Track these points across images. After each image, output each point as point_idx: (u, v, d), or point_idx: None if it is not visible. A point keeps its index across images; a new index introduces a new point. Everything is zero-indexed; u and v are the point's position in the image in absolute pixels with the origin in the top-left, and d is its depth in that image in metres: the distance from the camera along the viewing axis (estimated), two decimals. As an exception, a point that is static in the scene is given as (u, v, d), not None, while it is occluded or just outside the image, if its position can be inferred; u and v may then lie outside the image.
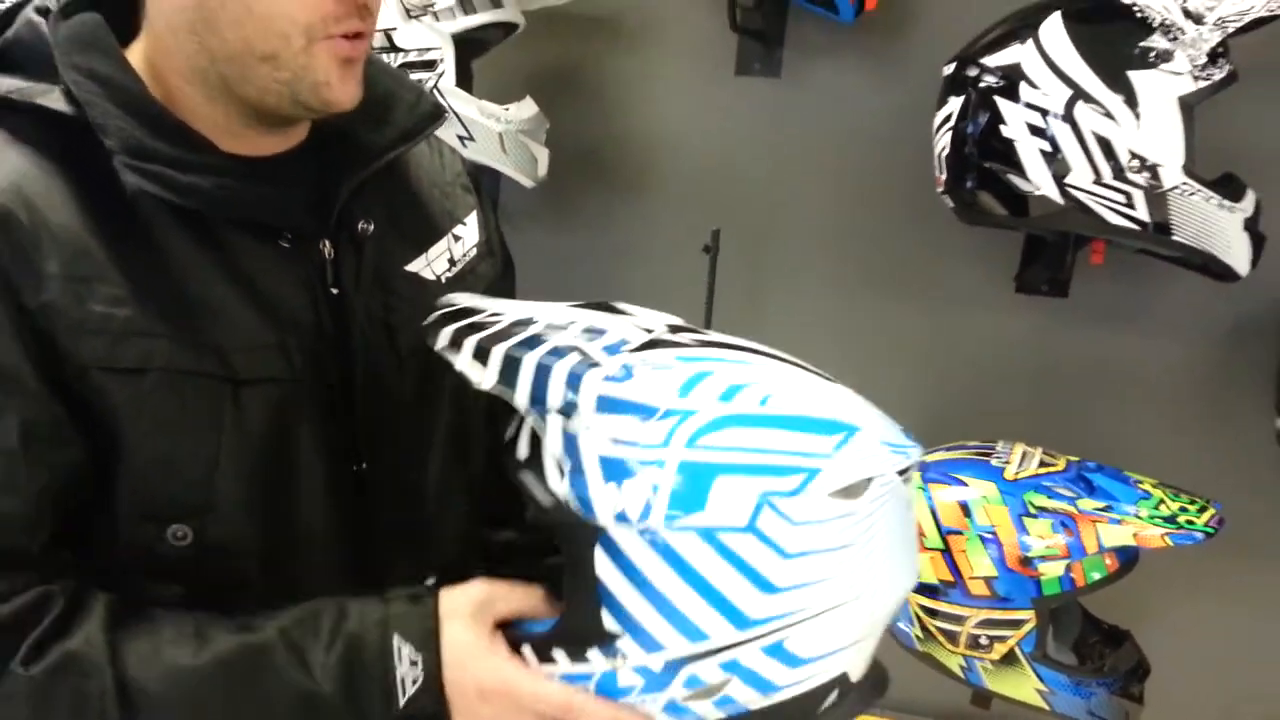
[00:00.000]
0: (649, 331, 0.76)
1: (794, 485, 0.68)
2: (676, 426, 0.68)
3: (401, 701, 0.80)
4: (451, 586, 0.84)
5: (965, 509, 1.33)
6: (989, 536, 1.33)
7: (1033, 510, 1.31)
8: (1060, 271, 1.49)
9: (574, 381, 0.71)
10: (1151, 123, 1.27)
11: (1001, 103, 1.33)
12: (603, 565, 0.70)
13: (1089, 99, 1.28)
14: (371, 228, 0.93)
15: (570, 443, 0.70)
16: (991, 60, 1.35)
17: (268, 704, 0.80)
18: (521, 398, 0.72)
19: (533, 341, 0.74)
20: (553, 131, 1.76)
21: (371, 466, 0.91)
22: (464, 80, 1.65)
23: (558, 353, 0.73)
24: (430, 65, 1.57)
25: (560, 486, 0.70)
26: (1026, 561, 1.31)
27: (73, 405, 0.81)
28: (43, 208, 0.81)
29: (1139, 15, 1.28)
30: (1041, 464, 1.37)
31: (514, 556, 0.98)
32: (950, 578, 1.34)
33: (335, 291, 0.91)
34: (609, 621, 0.71)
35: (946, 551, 1.34)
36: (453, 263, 1.01)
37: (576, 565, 0.71)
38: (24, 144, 0.83)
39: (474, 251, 1.04)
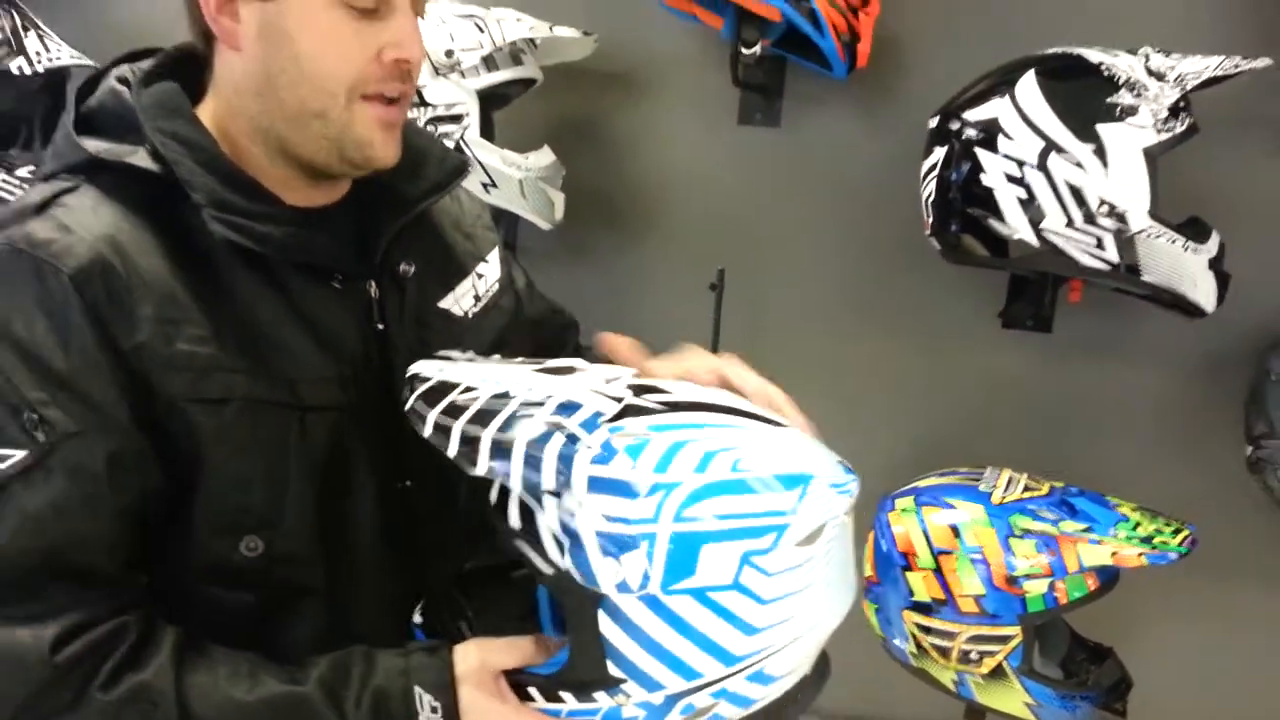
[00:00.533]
0: (618, 401, 0.79)
1: (768, 544, 0.75)
2: (663, 501, 0.74)
3: None
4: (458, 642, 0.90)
5: (955, 531, 1.37)
6: (977, 557, 1.36)
7: (1018, 532, 1.35)
8: (1041, 308, 1.55)
9: (564, 464, 0.75)
10: (1119, 172, 1.32)
11: (981, 153, 1.37)
12: (606, 625, 0.76)
13: (1061, 150, 1.33)
14: (412, 269, 1.00)
15: (567, 521, 0.75)
16: (972, 114, 1.40)
17: None
18: (515, 481, 0.76)
19: (512, 421, 0.77)
20: (568, 177, 1.82)
21: (414, 485, 0.97)
22: (487, 131, 1.71)
23: (544, 436, 0.76)
24: (457, 118, 1.64)
25: (561, 560, 0.75)
26: (1012, 580, 1.34)
27: (160, 435, 0.87)
28: (134, 257, 0.87)
29: (1106, 73, 1.33)
30: (1026, 489, 1.41)
31: (483, 581, 1.02)
32: (942, 595, 1.37)
33: (380, 327, 0.98)
34: (613, 669, 0.77)
35: (938, 571, 1.37)
36: (477, 299, 1.08)
37: (580, 624, 0.77)
38: (115, 200, 0.89)
39: (495, 287, 1.11)
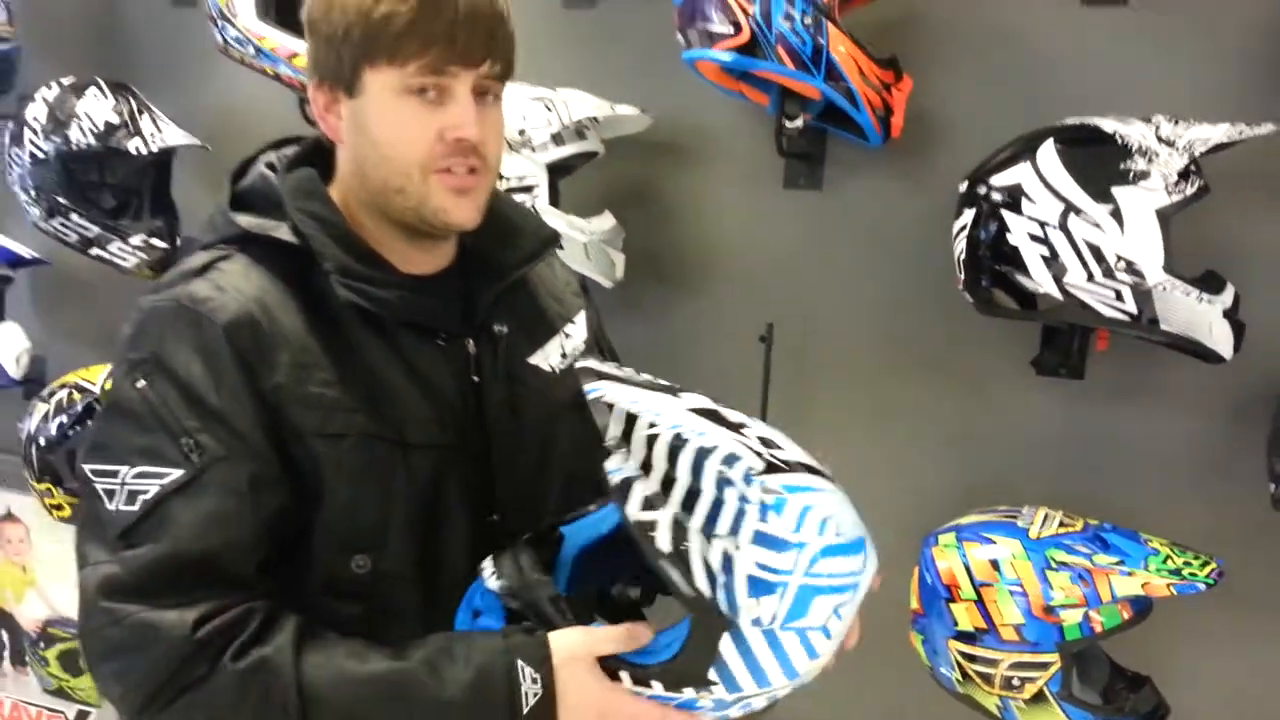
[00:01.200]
0: (759, 455, 0.93)
1: (849, 597, 0.95)
2: (798, 558, 0.90)
3: (525, 711, 0.94)
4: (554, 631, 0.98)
5: (995, 565, 1.41)
6: (1016, 589, 1.39)
7: (1054, 565, 1.39)
8: (1071, 356, 1.58)
9: (739, 519, 0.90)
10: (1134, 231, 1.36)
11: (1007, 215, 1.42)
12: (726, 646, 0.91)
13: (1079, 211, 1.38)
14: (505, 329, 1.13)
15: (727, 562, 0.89)
16: (997, 180, 1.45)
17: (412, 711, 0.94)
18: (695, 524, 0.90)
19: (700, 471, 0.91)
20: (628, 239, 1.91)
21: (502, 519, 1.08)
22: (553, 199, 1.82)
23: (720, 486, 0.90)
24: (529, 189, 1.76)
25: (708, 589, 0.89)
26: (1050, 610, 1.37)
27: (289, 462, 0.99)
28: (276, 314, 1.01)
29: (1120, 141, 1.38)
30: (1061, 525, 1.45)
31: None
32: (984, 625, 1.41)
33: (476, 380, 1.10)
34: (712, 674, 0.92)
35: (980, 602, 1.41)
36: (564, 355, 1.20)
37: (704, 639, 0.91)
38: (261, 266, 1.04)
39: (582, 346, 1.23)
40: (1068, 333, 1.58)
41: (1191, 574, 1.37)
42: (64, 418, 2.25)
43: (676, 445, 0.91)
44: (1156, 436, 1.67)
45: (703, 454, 0.91)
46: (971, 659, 1.43)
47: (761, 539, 0.90)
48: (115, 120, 2.15)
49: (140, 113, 2.20)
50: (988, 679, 1.43)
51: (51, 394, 2.32)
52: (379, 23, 0.99)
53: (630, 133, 1.89)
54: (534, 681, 0.94)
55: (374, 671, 0.95)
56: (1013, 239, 1.43)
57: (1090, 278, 1.39)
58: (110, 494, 0.97)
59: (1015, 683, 1.42)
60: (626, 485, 0.90)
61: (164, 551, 0.94)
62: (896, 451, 1.77)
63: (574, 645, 0.96)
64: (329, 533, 1.02)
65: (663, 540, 0.89)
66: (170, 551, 0.94)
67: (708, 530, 0.90)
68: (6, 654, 2.89)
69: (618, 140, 1.89)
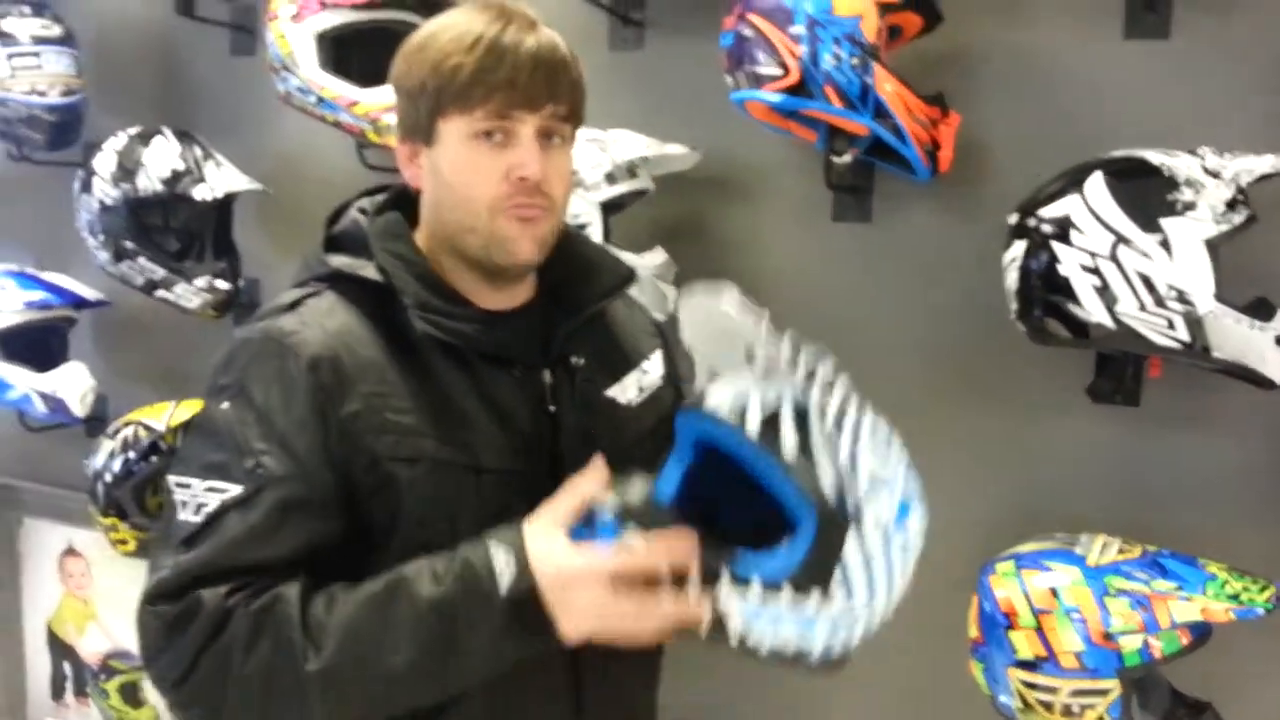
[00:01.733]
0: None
1: (921, 517, 1.01)
2: (899, 464, 0.99)
3: (504, 587, 0.97)
4: None
5: (1054, 592, 1.42)
6: (1076, 615, 1.40)
7: (1113, 591, 1.39)
8: (1125, 383, 1.59)
9: (856, 423, 0.98)
10: (1183, 261, 1.38)
11: (1057, 246, 1.44)
12: (849, 548, 0.94)
13: (1129, 242, 1.40)
14: (581, 362, 1.18)
15: (851, 461, 0.95)
16: (1046, 212, 1.47)
17: (405, 613, 0.99)
18: (815, 428, 0.95)
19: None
20: (679, 273, 1.94)
21: None
22: (605, 235, 1.87)
23: (827, 394, 0.98)
24: (582, 227, 1.80)
25: (834, 490, 0.93)
26: (1109, 636, 1.38)
27: (358, 488, 1.06)
28: (356, 347, 1.08)
29: (1167, 173, 1.40)
30: (1119, 551, 1.45)
31: None
32: (1044, 652, 1.41)
33: (551, 409, 1.15)
34: (834, 582, 0.94)
35: (1039, 629, 1.42)
36: (641, 390, 1.25)
37: (829, 543, 0.94)
38: (348, 302, 1.12)
39: (659, 382, 1.27)
40: (1121, 360, 1.59)
41: (1250, 599, 1.37)
42: (130, 454, 2.32)
43: (775, 367, 0.97)
44: (1212, 462, 1.67)
45: (803, 374, 0.97)
46: (1032, 687, 1.44)
47: (875, 440, 0.96)
48: (181, 167, 2.23)
49: (205, 159, 2.28)
50: (1048, 706, 1.44)
51: (117, 431, 2.39)
52: (448, 75, 1.08)
53: (679, 169, 1.94)
54: (507, 560, 0.99)
55: (369, 588, 1.02)
56: (1064, 270, 1.45)
57: (1142, 307, 1.41)
58: (184, 504, 1.06)
59: (1076, 710, 1.43)
60: (742, 410, 0.95)
61: (205, 557, 1.02)
62: (951, 480, 1.75)
63: (541, 518, 1.01)
64: (405, 549, 1.07)
65: (788, 447, 0.94)
66: (210, 558, 1.02)
67: (829, 433, 0.94)
68: (69, 685, 2.96)
69: (667, 176, 1.94)
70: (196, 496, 1.05)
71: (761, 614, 0.95)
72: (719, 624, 0.97)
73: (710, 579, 0.96)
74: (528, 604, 0.98)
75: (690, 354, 1.04)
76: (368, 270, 1.13)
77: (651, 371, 1.30)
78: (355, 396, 1.07)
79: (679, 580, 0.97)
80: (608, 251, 1.30)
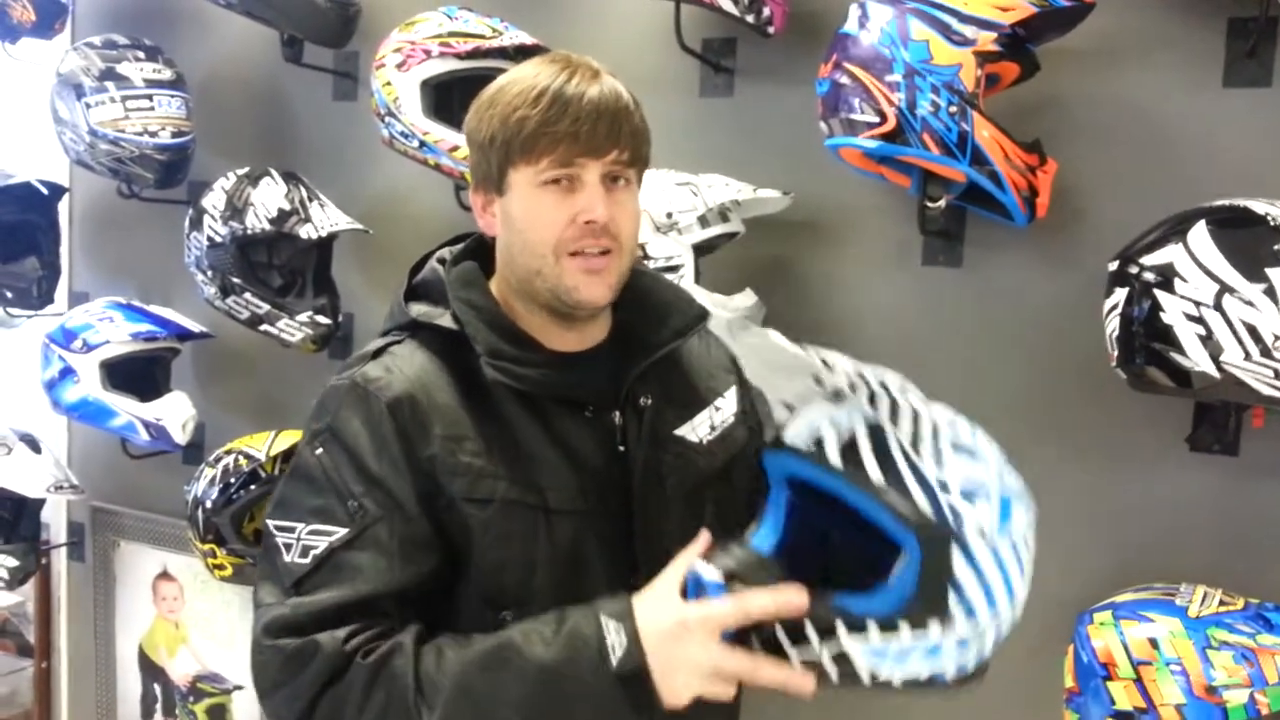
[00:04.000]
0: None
1: (1027, 511, 1.01)
2: (990, 465, 0.98)
3: (614, 660, 0.99)
4: None
5: (1154, 643, 1.41)
6: (1177, 668, 1.38)
7: (1215, 644, 1.38)
8: (1225, 433, 1.58)
9: (934, 435, 0.97)
10: None
11: (1160, 294, 1.44)
12: (958, 563, 0.93)
13: (1234, 291, 1.39)
14: (650, 402, 1.20)
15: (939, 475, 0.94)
16: (1149, 260, 1.47)
17: (514, 677, 1.02)
18: (897, 448, 0.95)
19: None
20: (769, 315, 1.96)
21: (644, 579, 1.11)
22: (696, 276, 1.88)
23: (898, 410, 0.97)
24: (675, 269, 1.84)
25: (929, 506, 0.92)
26: (1212, 690, 1.37)
27: (441, 525, 1.10)
28: (433, 392, 1.13)
29: (1272, 223, 1.40)
30: (1221, 603, 1.45)
31: None
32: (1143, 704, 1.40)
33: (621, 449, 1.18)
34: (951, 601, 0.93)
35: (1139, 681, 1.40)
36: (713, 428, 1.27)
37: (936, 562, 0.92)
38: (426, 349, 1.17)
39: (731, 419, 1.29)
40: (1223, 409, 1.58)
41: (1362, 654, 1.34)
42: (230, 482, 2.40)
43: (844, 392, 0.97)
44: (1315, 514, 1.65)
45: (874, 394, 0.97)
46: (1130, 738, 1.42)
47: (958, 449, 0.95)
48: (288, 207, 2.32)
49: (310, 200, 2.36)
50: (1148, 759, 1.41)
51: (218, 460, 2.47)
52: (515, 127, 1.13)
53: (770, 211, 1.96)
54: (618, 632, 1.00)
55: (479, 649, 1.05)
56: (1167, 318, 1.45)
57: (1247, 356, 1.40)
58: (288, 547, 1.10)
59: (1178, 764, 1.40)
60: (819, 441, 0.95)
61: (319, 598, 1.07)
62: (1047, 529, 1.73)
63: (657, 593, 1.03)
64: (477, 589, 1.12)
65: (873, 472, 0.93)
66: (324, 599, 1.07)
67: (911, 451, 0.94)
68: (159, 706, 3.05)
69: (758, 219, 1.97)
70: (301, 540, 1.10)
71: (885, 651, 0.95)
72: (848, 666, 0.96)
73: (826, 629, 0.96)
74: (637, 679, 0.99)
75: (760, 391, 1.06)
76: (444, 319, 1.18)
77: (725, 408, 1.32)
78: (432, 439, 1.11)
79: (794, 633, 0.97)
80: (681, 291, 1.33)
